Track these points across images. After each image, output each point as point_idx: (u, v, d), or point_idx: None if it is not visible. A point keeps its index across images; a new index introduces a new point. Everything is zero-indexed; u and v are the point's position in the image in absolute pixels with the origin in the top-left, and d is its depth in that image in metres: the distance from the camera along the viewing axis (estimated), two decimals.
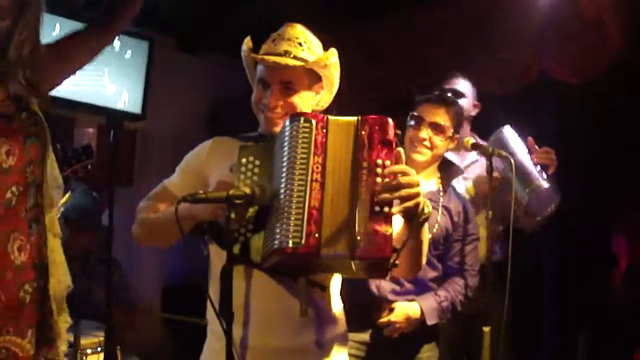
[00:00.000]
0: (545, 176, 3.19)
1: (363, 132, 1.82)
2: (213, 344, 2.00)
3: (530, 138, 3.22)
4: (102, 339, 3.26)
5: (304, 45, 2.04)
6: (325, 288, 2.01)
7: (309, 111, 2.06)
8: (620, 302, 5.59)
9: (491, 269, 2.93)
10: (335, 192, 1.79)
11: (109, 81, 4.69)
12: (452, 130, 2.90)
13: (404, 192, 1.75)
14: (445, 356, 3.05)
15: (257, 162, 1.89)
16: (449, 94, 3.14)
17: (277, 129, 2.00)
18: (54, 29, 4.36)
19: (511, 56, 3.94)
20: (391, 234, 1.73)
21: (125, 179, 5.04)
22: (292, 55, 2.01)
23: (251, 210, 1.82)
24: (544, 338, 4.87)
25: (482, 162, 3.32)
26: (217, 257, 2.00)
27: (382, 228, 1.73)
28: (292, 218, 1.74)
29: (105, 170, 2.92)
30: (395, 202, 1.78)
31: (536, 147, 3.23)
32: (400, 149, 1.83)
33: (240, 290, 1.90)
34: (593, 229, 5.21)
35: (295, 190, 1.76)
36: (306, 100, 2.07)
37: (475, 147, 3.08)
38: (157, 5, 4.73)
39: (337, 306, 2.06)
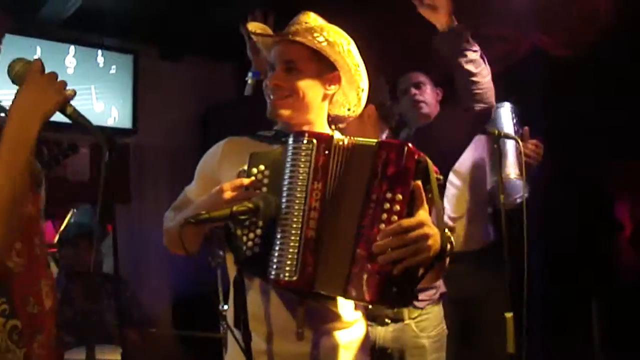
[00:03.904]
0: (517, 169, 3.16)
1: (378, 160, 1.72)
2: (235, 352, 1.96)
3: (526, 128, 3.19)
4: None
5: (315, 33, 1.93)
6: (333, 297, 1.92)
7: (319, 99, 1.99)
8: (629, 267, 5.58)
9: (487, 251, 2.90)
10: (337, 221, 1.74)
11: (96, 99, 4.65)
12: None
13: (402, 252, 1.65)
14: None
15: (267, 172, 1.83)
16: None
17: (282, 111, 1.95)
18: (35, 52, 4.32)
19: (500, 33, 3.88)
20: (387, 280, 1.66)
21: (122, 196, 4.99)
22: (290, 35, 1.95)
23: (260, 223, 1.77)
24: (557, 311, 4.85)
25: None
26: (232, 268, 1.95)
27: (379, 271, 1.66)
28: (290, 248, 1.72)
29: (102, 189, 2.87)
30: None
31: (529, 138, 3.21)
32: (419, 183, 1.71)
33: (258, 301, 1.88)
34: (595, 196, 5.19)
35: (294, 217, 1.73)
36: (313, 88, 1.96)
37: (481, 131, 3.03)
38: (136, 17, 4.68)
39: (349, 312, 1.98)
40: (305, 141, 1.78)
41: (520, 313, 2.84)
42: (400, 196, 1.68)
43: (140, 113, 4.90)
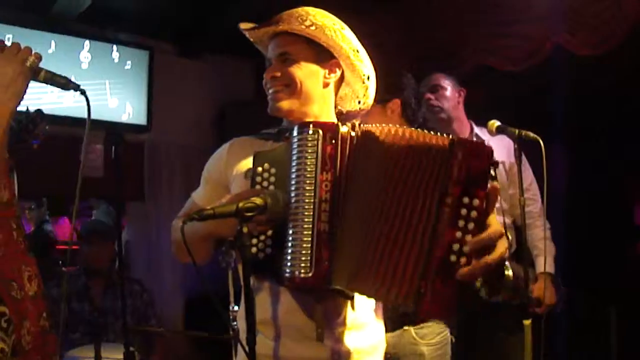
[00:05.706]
0: None
1: (453, 160, 1.58)
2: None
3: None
4: None
5: (301, 18, 1.87)
6: (350, 297, 1.85)
7: (320, 87, 1.92)
8: None
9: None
10: (365, 216, 1.65)
11: (110, 94, 4.61)
12: None
13: (486, 267, 1.54)
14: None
15: (273, 170, 1.76)
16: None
17: (281, 103, 1.89)
18: (49, 46, 4.28)
19: (523, 32, 3.78)
20: (444, 297, 1.56)
21: (136, 194, 4.94)
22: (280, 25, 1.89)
23: (268, 224, 1.70)
24: (574, 315, 4.78)
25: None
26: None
27: (443, 287, 1.55)
28: (303, 243, 1.64)
29: (114, 186, 2.82)
30: None
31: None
32: (496, 184, 1.60)
33: (267, 305, 1.82)
34: (616, 202, 5.12)
35: (305, 210, 1.65)
36: (311, 76, 1.89)
37: (500, 130, 2.94)
38: (152, 13, 4.63)
39: (366, 313, 1.92)
40: (310, 131, 1.69)
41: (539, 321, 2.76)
42: (477, 201, 1.56)
43: (155, 110, 4.86)
